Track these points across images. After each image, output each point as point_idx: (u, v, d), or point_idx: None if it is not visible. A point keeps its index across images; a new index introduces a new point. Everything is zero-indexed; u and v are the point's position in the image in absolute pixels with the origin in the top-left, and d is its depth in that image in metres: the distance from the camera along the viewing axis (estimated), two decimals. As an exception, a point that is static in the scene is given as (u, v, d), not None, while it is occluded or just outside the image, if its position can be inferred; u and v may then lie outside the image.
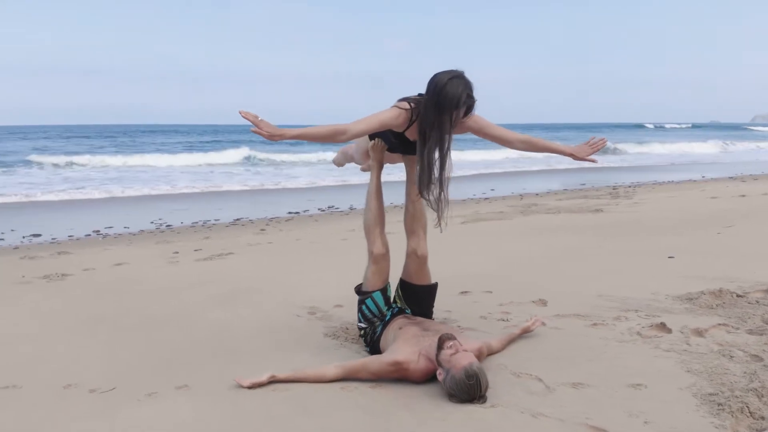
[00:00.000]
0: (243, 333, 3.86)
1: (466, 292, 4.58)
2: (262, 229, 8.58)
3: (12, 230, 8.98)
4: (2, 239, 8.38)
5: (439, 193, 3.01)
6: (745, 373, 2.87)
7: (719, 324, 3.56)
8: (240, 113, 2.66)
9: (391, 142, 3.31)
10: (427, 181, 2.98)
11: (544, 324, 3.60)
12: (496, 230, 7.66)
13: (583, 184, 14.25)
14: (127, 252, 7.09)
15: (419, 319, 3.29)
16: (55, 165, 21.12)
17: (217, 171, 19.60)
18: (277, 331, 3.84)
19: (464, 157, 21.16)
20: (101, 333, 3.96)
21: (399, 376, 2.90)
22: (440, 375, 2.77)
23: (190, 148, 31.41)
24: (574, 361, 3.14)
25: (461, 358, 2.70)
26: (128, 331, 4.00)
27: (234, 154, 24.24)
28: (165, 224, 9.49)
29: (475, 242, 6.80)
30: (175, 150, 28.49)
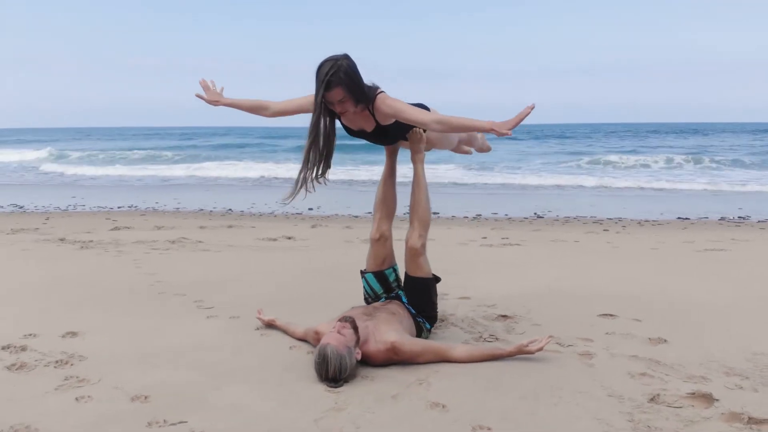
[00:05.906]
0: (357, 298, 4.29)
1: (610, 315, 3.82)
2: (595, 231, 8.12)
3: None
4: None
5: (302, 169, 2.90)
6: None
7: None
8: (199, 82, 3.20)
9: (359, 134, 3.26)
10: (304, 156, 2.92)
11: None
12: None
13: None
14: (448, 232, 7.86)
15: (390, 306, 3.22)
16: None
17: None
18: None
19: None
20: (304, 278, 4.97)
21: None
22: None
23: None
24: (512, 393, 2.66)
25: (325, 338, 2.75)
26: (321, 281, 4.87)
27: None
28: (537, 214, 9.87)
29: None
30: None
